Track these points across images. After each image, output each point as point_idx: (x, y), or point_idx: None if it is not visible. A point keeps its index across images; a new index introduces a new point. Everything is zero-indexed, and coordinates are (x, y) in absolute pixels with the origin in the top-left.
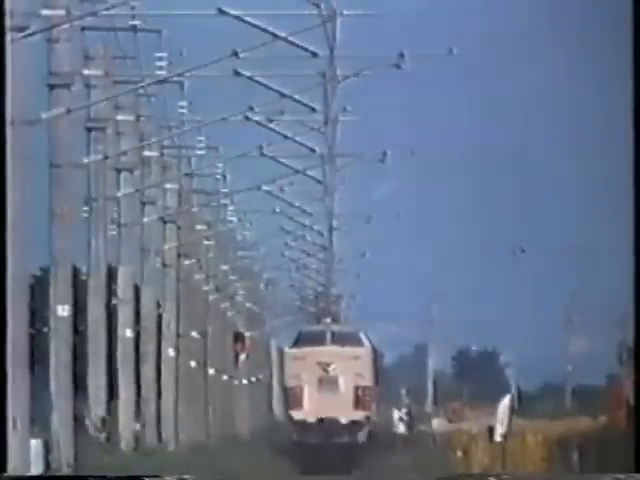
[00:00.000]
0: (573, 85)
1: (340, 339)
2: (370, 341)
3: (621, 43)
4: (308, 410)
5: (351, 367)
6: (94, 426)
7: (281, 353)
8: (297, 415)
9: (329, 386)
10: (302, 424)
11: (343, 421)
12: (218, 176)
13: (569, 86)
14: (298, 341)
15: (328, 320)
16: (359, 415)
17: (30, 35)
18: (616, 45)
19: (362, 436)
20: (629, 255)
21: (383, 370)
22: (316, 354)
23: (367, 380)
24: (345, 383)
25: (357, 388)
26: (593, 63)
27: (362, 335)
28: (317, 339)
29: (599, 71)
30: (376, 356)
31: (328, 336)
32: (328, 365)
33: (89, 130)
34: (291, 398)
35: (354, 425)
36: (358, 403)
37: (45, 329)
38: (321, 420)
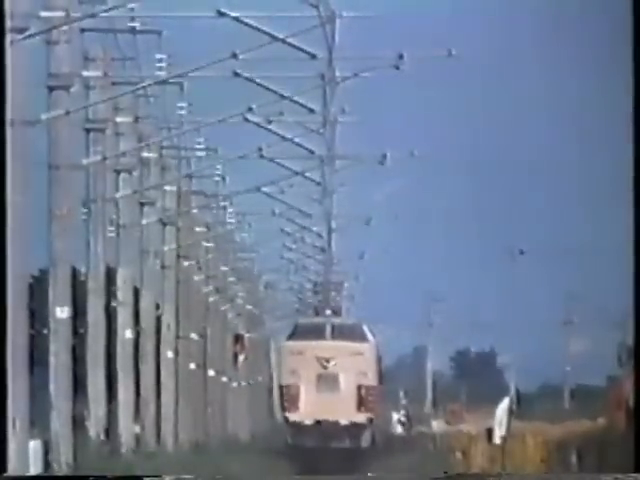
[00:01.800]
0: (573, 85)
1: (341, 333)
2: (374, 336)
3: (621, 43)
4: (305, 411)
5: (353, 364)
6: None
7: (278, 349)
8: (293, 416)
9: (328, 384)
10: (298, 426)
11: (344, 423)
12: (217, 177)
13: (569, 86)
14: (295, 334)
15: (328, 312)
16: (362, 417)
17: (29, 37)
18: (616, 45)
19: (365, 440)
20: (629, 255)
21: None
22: (315, 348)
23: (371, 379)
24: (346, 381)
25: (360, 387)
26: (593, 63)
27: (366, 329)
28: (316, 332)
29: (599, 71)
30: (380, 352)
31: (328, 329)
32: (327, 361)
33: (88, 131)
34: (286, 397)
35: (356, 428)
36: (361, 404)
37: (44, 330)
38: (318, 422)
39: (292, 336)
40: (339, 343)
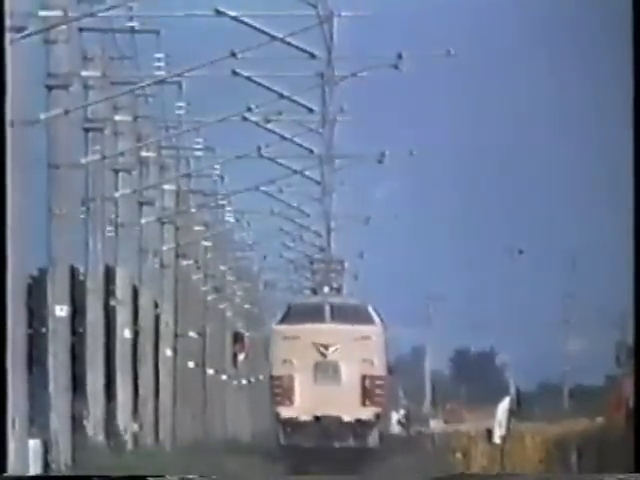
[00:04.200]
0: (572, 85)
1: (343, 314)
2: (381, 318)
3: (621, 43)
4: (301, 406)
5: (357, 351)
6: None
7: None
8: (286, 412)
9: (328, 374)
10: (293, 424)
11: (346, 420)
12: (216, 177)
13: (568, 86)
14: (288, 316)
15: (327, 290)
16: (367, 413)
17: (28, 36)
18: (616, 44)
19: (372, 440)
20: (629, 255)
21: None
22: (311, 333)
23: (377, 368)
24: (349, 371)
25: (364, 378)
26: (593, 63)
27: (371, 310)
28: (313, 314)
29: (599, 71)
30: (387, 338)
31: (327, 310)
32: (327, 347)
33: (87, 131)
34: (279, 390)
35: (360, 425)
36: (366, 397)
37: (43, 329)
38: (317, 419)
39: (284, 319)
40: (340, 326)
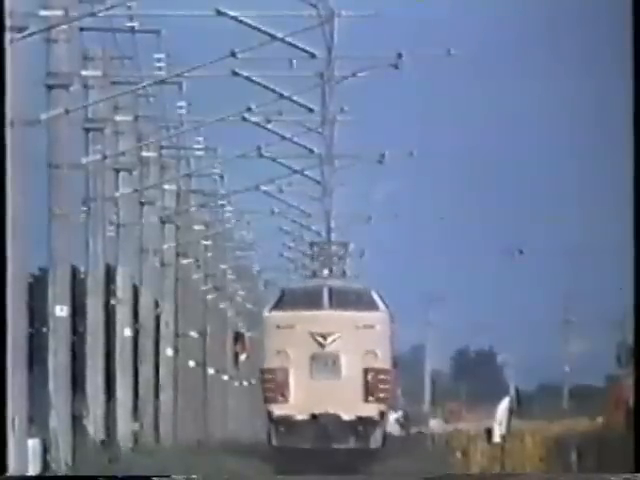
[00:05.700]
0: (572, 85)
1: (343, 300)
2: (386, 304)
3: (621, 43)
4: (296, 403)
5: (359, 341)
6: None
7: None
8: (280, 410)
9: (326, 368)
10: (287, 423)
11: (346, 418)
12: (216, 176)
13: (568, 86)
14: (282, 301)
15: (326, 273)
16: (370, 410)
17: (29, 35)
18: (616, 44)
19: (375, 440)
20: (629, 255)
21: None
22: (308, 321)
23: (382, 360)
24: (349, 364)
25: (367, 371)
26: (593, 63)
27: (375, 295)
28: (310, 299)
29: (599, 71)
30: (394, 326)
31: (325, 295)
32: (325, 337)
33: (87, 130)
34: (271, 385)
35: (363, 424)
36: (369, 393)
37: (44, 329)
38: (314, 417)
39: (278, 305)
40: (340, 313)
